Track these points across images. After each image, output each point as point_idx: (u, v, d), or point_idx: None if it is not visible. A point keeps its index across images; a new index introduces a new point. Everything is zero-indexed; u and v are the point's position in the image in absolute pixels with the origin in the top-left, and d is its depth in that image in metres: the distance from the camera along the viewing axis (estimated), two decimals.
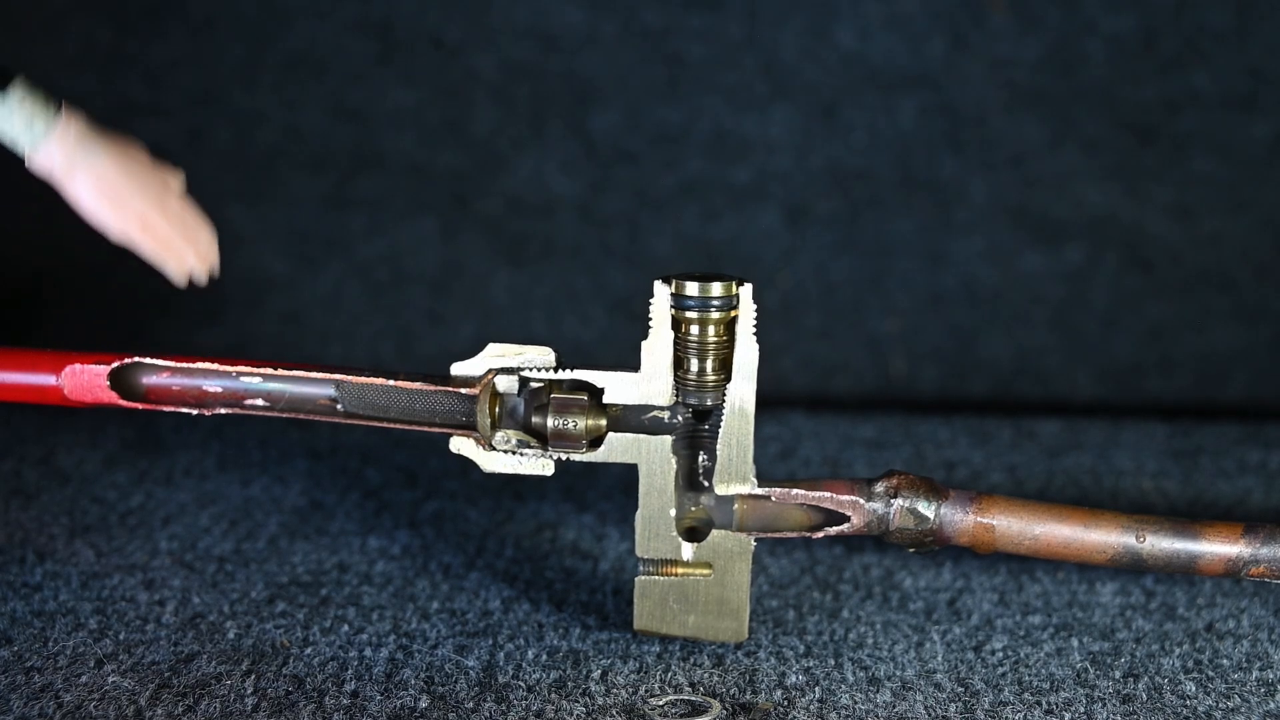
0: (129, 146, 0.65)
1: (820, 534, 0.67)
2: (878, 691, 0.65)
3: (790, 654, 0.68)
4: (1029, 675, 0.66)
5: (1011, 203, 1.05)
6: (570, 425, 0.66)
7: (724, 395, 0.65)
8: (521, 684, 0.65)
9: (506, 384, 0.67)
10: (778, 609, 0.73)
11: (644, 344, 0.66)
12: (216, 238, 0.66)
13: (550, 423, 0.66)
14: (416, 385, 0.67)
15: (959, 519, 0.66)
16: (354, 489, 0.87)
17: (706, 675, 0.66)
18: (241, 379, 0.68)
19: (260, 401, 0.68)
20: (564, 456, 0.67)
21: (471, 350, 0.67)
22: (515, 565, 0.77)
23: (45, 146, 0.62)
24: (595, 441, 0.66)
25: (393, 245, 1.07)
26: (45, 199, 1.07)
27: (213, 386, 0.68)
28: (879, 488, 0.66)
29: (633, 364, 0.66)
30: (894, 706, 0.63)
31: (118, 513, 0.83)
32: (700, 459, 0.67)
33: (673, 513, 0.66)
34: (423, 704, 0.63)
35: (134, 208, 0.64)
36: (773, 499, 0.66)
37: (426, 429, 0.67)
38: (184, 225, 0.65)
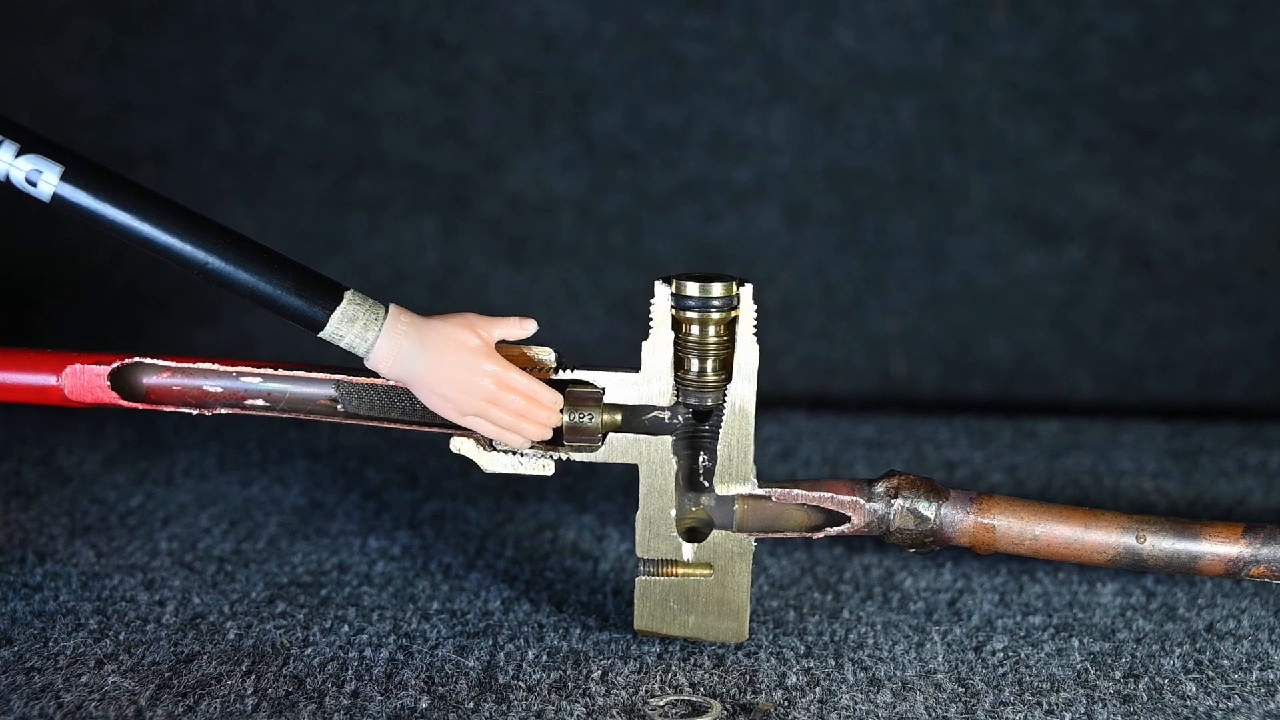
0: (457, 335, 0.64)
1: (821, 534, 0.67)
2: (878, 692, 0.65)
3: (790, 654, 0.68)
4: (1029, 676, 0.66)
5: (1011, 203, 1.05)
6: (586, 419, 0.66)
7: (724, 395, 0.65)
8: (522, 684, 0.65)
9: None
10: (778, 609, 0.73)
11: (644, 344, 0.66)
12: (559, 401, 0.65)
13: (565, 418, 0.66)
14: None
15: (959, 519, 0.66)
16: (354, 489, 0.87)
17: (707, 676, 0.66)
18: (242, 379, 0.68)
19: (260, 401, 0.68)
20: (566, 456, 0.66)
21: None
22: (515, 566, 0.77)
23: (376, 353, 0.63)
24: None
25: (393, 245, 1.07)
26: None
27: (213, 386, 0.68)
28: (879, 488, 0.66)
29: (633, 364, 0.66)
30: (894, 707, 0.63)
31: (118, 513, 0.83)
32: (701, 459, 0.66)
33: (673, 513, 0.66)
34: (423, 704, 0.63)
35: (468, 405, 0.64)
36: (773, 499, 0.66)
37: (426, 429, 0.67)
38: (520, 407, 0.64)
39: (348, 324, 0.63)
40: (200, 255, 0.62)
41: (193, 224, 0.62)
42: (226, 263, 0.62)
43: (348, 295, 0.63)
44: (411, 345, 0.63)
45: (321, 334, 0.63)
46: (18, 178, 0.61)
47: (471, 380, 0.64)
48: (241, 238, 0.63)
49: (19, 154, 0.61)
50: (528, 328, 0.65)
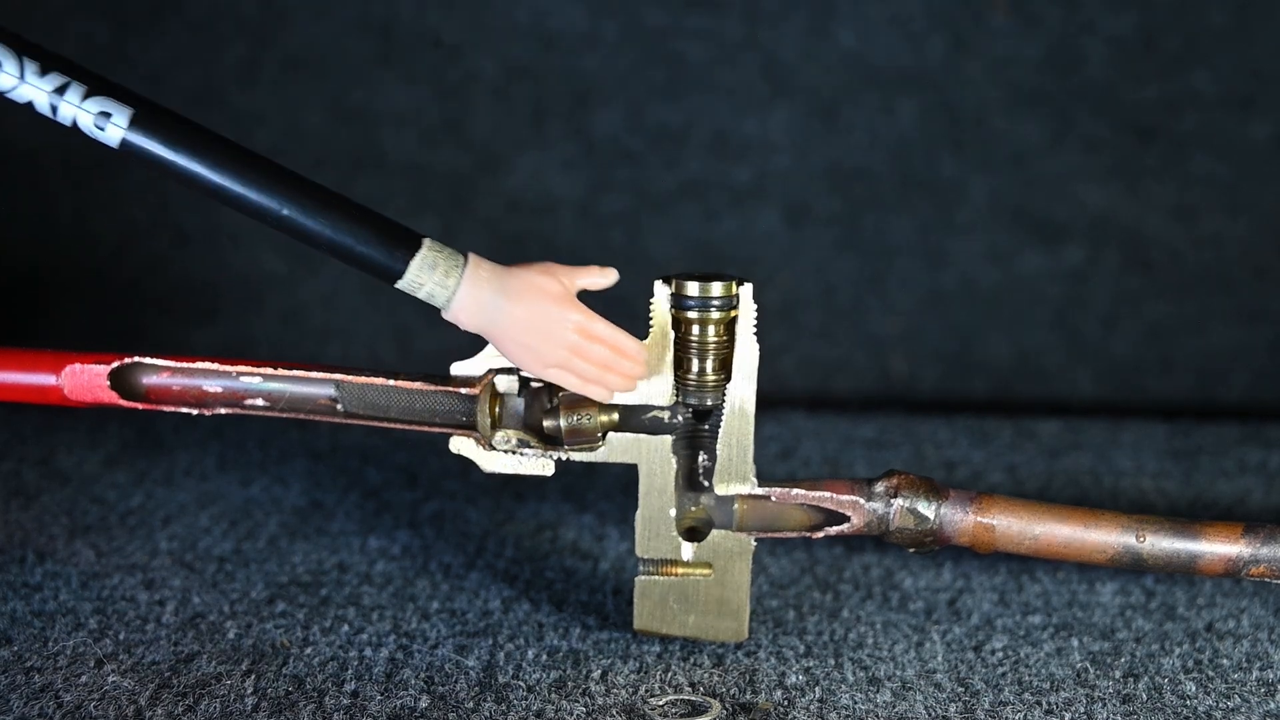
0: (539, 283, 0.62)
1: (820, 534, 0.67)
2: (878, 691, 0.65)
3: (790, 654, 0.68)
4: (1029, 675, 0.66)
5: (1011, 203, 1.05)
6: (585, 420, 0.65)
7: (724, 395, 0.65)
8: (521, 684, 0.65)
9: (506, 384, 0.67)
10: (778, 609, 0.73)
11: (644, 344, 0.66)
12: (643, 352, 0.64)
13: (563, 422, 0.65)
14: (416, 385, 0.67)
15: (959, 519, 0.66)
16: (354, 489, 0.87)
17: (706, 675, 0.66)
18: (241, 379, 0.68)
19: (260, 401, 0.68)
20: (566, 456, 0.66)
21: (471, 350, 0.67)
22: (515, 565, 0.77)
23: (456, 303, 0.62)
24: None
25: None
26: (45, 200, 1.07)
27: (213, 386, 0.68)
28: (879, 488, 0.66)
29: None
30: (894, 706, 0.63)
31: (118, 513, 0.83)
32: (700, 459, 0.66)
33: (673, 513, 0.66)
34: (423, 704, 0.63)
35: (551, 356, 0.63)
36: (773, 499, 0.66)
37: (426, 429, 0.67)
38: (603, 356, 0.63)
39: (427, 272, 0.61)
40: (274, 204, 0.60)
41: (267, 171, 0.60)
42: (302, 211, 0.60)
43: (426, 243, 0.62)
44: (493, 294, 0.62)
45: (399, 284, 0.62)
46: (85, 122, 0.59)
47: (554, 330, 0.63)
48: (315, 185, 0.61)
49: (86, 96, 0.59)
50: (609, 276, 0.64)
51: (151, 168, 0.60)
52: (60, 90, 0.59)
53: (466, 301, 0.62)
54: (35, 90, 0.59)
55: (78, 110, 0.59)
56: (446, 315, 0.63)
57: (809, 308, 1.07)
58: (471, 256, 0.63)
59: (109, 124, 0.59)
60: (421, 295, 0.62)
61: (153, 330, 1.08)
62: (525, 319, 0.62)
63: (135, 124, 0.59)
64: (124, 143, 0.59)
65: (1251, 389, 1.06)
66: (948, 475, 0.91)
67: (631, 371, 0.64)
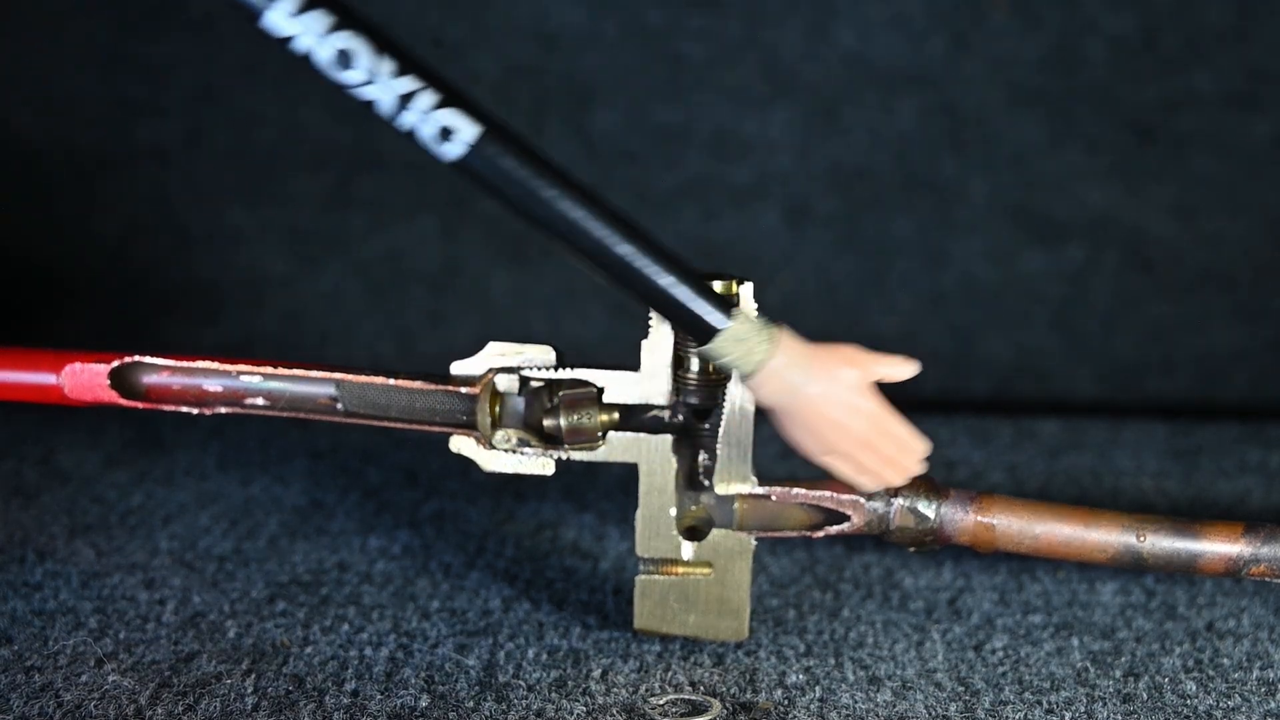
0: (842, 373, 0.61)
1: (821, 533, 0.67)
2: (878, 691, 0.65)
3: (790, 653, 0.68)
4: (1029, 674, 0.66)
5: (1011, 203, 1.05)
6: (585, 419, 0.66)
7: (724, 394, 0.65)
8: (522, 683, 0.65)
9: (507, 383, 0.67)
10: (778, 608, 0.73)
11: (644, 343, 0.66)
12: (927, 449, 0.63)
13: (563, 421, 0.65)
14: (417, 384, 0.67)
15: (959, 518, 0.66)
16: (354, 489, 0.87)
17: (707, 674, 0.66)
18: (241, 378, 0.68)
19: (260, 401, 0.68)
20: (566, 456, 0.66)
21: (471, 349, 0.67)
22: (515, 565, 0.77)
23: (760, 376, 0.61)
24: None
25: (393, 245, 1.07)
26: (48, 199, 1.07)
27: (213, 386, 0.68)
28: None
29: (633, 364, 0.66)
30: (894, 706, 0.63)
31: (118, 512, 0.83)
32: (700, 458, 0.66)
33: (673, 512, 0.66)
34: (423, 703, 0.63)
35: (837, 445, 0.62)
36: (773, 498, 0.66)
37: (427, 428, 0.67)
38: (889, 453, 0.62)
39: (735, 342, 0.61)
40: (601, 252, 0.59)
41: (598, 216, 0.59)
42: (637, 262, 0.59)
43: (739, 314, 0.61)
44: (797, 377, 0.61)
45: (706, 346, 0.61)
46: (426, 133, 0.57)
47: (848, 421, 0.61)
48: (645, 235, 0.60)
49: (435, 108, 0.57)
50: (911, 368, 0.63)
51: (485, 189, 0.58)
52: (409, 97, 0.57)
53: (770, 379, 0.61)
54: (383, 92, 0.57)
55: (421, 120, 0.57)
56: (745, 384, 0.62)
57: (809, 308, 1.07)
58: (784, 335, 0.61)
59: (449, 141, 0.57)
60: (724, 361, 0.61)
61: (155, 330, 1.08)
62: (821, 406, 0.61)
63: (476, 147, 0.58)
64: (459, 163, 0.58)
65: (1251, 389, 1.06)
66: (948, 475, 0.91)
67: (911, 468, 0.63)
